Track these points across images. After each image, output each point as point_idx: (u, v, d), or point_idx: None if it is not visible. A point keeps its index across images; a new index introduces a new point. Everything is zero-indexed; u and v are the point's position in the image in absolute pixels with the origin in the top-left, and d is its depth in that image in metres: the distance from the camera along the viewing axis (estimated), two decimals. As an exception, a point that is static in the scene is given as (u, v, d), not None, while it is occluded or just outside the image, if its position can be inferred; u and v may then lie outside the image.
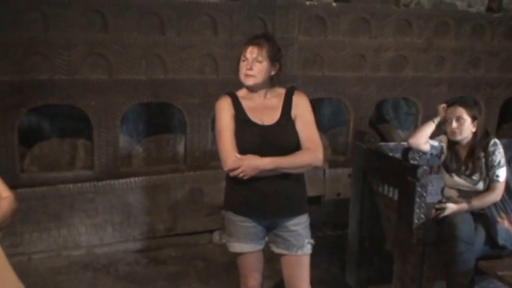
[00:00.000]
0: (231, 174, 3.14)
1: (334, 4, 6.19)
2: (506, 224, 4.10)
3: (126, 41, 5.36)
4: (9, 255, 2.53)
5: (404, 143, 4.51)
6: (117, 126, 5.54)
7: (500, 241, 4.04)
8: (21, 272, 2.50)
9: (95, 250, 5.32)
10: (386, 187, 4.30)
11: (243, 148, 3.16)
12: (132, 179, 5.39)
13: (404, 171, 3.99)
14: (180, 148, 6.19)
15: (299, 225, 3.32)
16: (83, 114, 5.46)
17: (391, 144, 5.00)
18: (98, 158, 5.52)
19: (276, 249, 3.40)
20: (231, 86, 5.66)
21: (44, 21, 5.08)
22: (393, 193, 4.21)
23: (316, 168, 3.34)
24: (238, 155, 3.12)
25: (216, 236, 5.70)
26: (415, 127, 6.68)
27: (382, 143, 5.13)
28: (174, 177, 5.57)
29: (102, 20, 5.27)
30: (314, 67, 6.18)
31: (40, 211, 5.07)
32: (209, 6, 5.61)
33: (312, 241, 3.39)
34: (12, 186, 2.71)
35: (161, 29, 5.48)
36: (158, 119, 6.16)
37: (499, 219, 4.10)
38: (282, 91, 3.33)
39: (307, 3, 6.04)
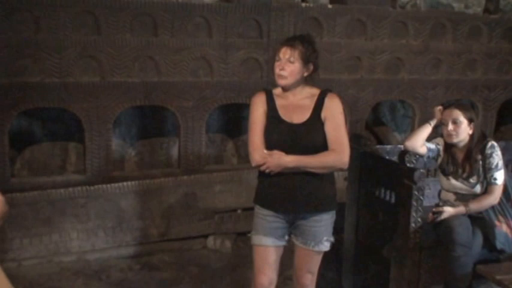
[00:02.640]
0: (259, 168, 3.29)
1: (329, 6, 6.15)
2: (504, 227, 4.10)
3: (118, 42, 5.30)
4: None
5: (401, 146, 4.47)
6: (110, 129, 5.48)
7: (499, 245, 4.02)
8: (11, 278, 2.46)
9: (86, 256, 5.24)
10: (382, 190, 4.25)
11: (270, 144, 3.30)
12: (124, 184, 5.32)
13: (401, 174, 3.95)
14: (174, 152, 6.14)
15: (320, 222, 3.42)
16: (74, 117, 5.40)
17: (388, 147, 4.96)
18: (90, 162, 5.45)
19: (295, 241, 3.50)
20: (226, 89, 5.68)
21: (35, 22, 5.02)
22: (390, 196, 4.16)
23: (340, 170, 3.41)
24: (265, 151, 3.25)
25: (210, 241, 5.62)
26: (412, 130, 6.63)
27: (378, 146, 5.09)
28: (168, 182, 5.50)
29: (94, 22, 5.21)
30: (309, 69, 6.12)
31: (31, 216, 4.99)
32: (203, 8, 5.56)
33: (331, 239, 3.52)
34: (2, 191, 2.68)
35: (154, 30, 5.43)
36: (151, 122, 6.11)
37: (497, 222, 4.10)
38: (316, 91, 3.40)
39: (303, 4, 5.99)
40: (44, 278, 4.87)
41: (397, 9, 6.55)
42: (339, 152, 3.26)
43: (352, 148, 4.57)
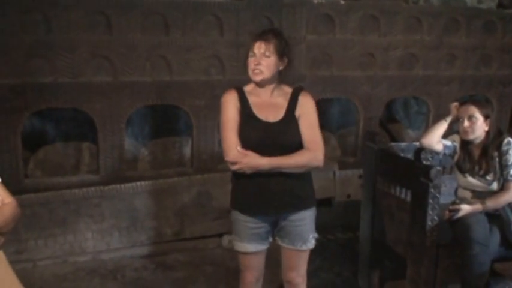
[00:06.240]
0: (231, 167, 3.19)
1: (342, 2, 6.11)
2: (521, 224, 4.02)
3: (130, 42, 5.30)
4: (14, 262, 2.50)
5: (417, 143, 4.43)
6: (122, 129, 5.48)
7: (516, 242, 3.96)
8: (26, 279, 2.47)
9: (101, 256, 5.25)
10: (398, 188, 4.22)
11: (245, 143, 3.19)
12: (138, 183, 5.33)
13: (417, 172, 3.90)
14: (187, 151, 6.12)
15: (304, 220, 3.39)
16: (87, 117, 5.40)
17: (403, 144, 4.92)
18: (103, 161, 5.46)
19: (281, 243, 3.47)
20: (238, 87, 5.63)
21: (46, 23, 5.03)
22: (406, 194, 4.12)
23: (316, 168, 3.31)
24: (240, 149, 3.16)
25: (225, 240, 5.61)
26: (426, 126, 6.60)
27: (393, 144, 5.06)
28: (181, 181, 5.49)
29: (105, 21, 5.20)
30: (322, 66, 6.10)
31: (45, 217, 5.01)
32: (215, 6, 5.54)
33: (316, 235, 3.48)
34: (16, 191, 2.70)
35: (166, 29, 5.41)
36: (164, 121, 6.09)
37: (514, 220, 4.02)
38: (288, 90, 3.36)
39: (315, 1, 5.95)
40: (59, 278, 4.88)
41: (410, 5, 6.51)
42: (313, 151, 3.22)
43: (366, 146, 4.59)
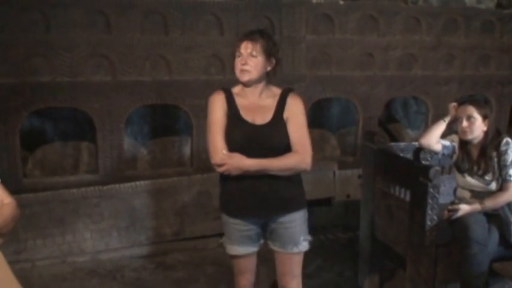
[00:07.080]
0: (217, 169, 3.15)
1: (341, 2, 6.12)
2: (520, 224, 4.02)
3: (129, 41, 5.30)
4: (13, 262, 2.48)
5: (415, 143, 4.43)
6: (122, 128, 5.48)
7: (515, 242, 3.96)
8: (25, 279, 2.45)
9: (100, 256, 5.24)
10: (397, 188, 4.21)
11: (231, 145, 3.15)
12: (137, 183, 5.32)
13: (416, 172, 3.90)
14: (186, 150, 6.12)
15: (294, 222, 3.33)
16: (86, 116, 5.40)
17: (402, 144, 4.93)
18: (102, 161, 5.46)
19: (272, 246, 3.43)
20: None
21: (45, 21, 5.03)
22: (405, 194, 4.12)
23: (304, 171, 3.28)
24: (225, 152, 3.11)
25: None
26: (425, 126, 6.61)
27: (392, 143, 5.07)
28: (181, 181, 5.49)
29: (104, 20, 5.21)
30: (322, 66, 6.11)
31: (44, 217, 5.00)
32: (214, 6, 5.55)
33: (308, 237, 3.42)
34: (14, 191, 2.68)
35: (165, 29, 5.42)
36: (163, 120, 6.09)
37: (512, 219, 4.02)
38: (277, 91, 3.32)
39: (314, 1, 5.96)
40: (58, 279, 4.87)
41: (409, 5, 6.52)
42: (301, 153, 3.18)
43: (366, 146, 4.59)
